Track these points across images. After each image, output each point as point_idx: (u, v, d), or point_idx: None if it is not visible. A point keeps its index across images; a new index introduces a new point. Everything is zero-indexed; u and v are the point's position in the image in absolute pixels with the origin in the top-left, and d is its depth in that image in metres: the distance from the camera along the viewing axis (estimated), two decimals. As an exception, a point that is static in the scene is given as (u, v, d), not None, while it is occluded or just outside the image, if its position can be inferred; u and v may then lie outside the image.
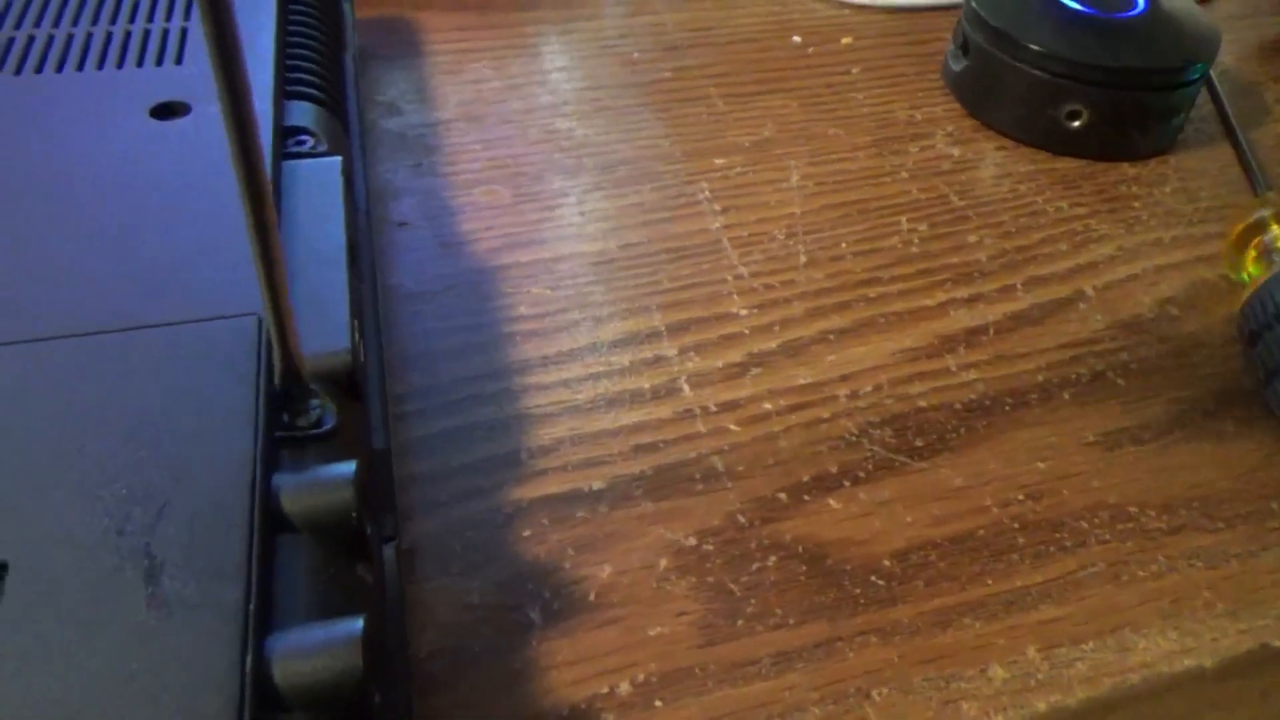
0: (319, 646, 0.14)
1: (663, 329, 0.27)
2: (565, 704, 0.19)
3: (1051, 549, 0.23)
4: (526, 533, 0.22)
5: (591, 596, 0.21)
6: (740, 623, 0.21)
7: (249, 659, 0.14)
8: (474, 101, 0.36)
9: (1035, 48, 0.34)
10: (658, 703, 0.19)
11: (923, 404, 0.26)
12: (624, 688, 0.20)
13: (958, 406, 0.26)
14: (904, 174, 0.34)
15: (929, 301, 0.29)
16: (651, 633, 0.20)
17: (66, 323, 0.18)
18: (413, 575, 0.21)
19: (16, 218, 0.21)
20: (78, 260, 0.20)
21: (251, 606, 0.14)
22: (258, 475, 0.16)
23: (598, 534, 0.22)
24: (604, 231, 0.31)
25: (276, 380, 0.18)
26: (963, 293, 0.29)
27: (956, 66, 0.38)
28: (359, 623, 0.15)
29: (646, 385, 0.26)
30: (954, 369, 0.27)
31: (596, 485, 0.23)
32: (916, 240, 0.31)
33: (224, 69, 0.13)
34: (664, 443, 0.24)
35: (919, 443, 0.25)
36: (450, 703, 0.19)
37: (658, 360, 0.27)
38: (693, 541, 0.22)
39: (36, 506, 0.15)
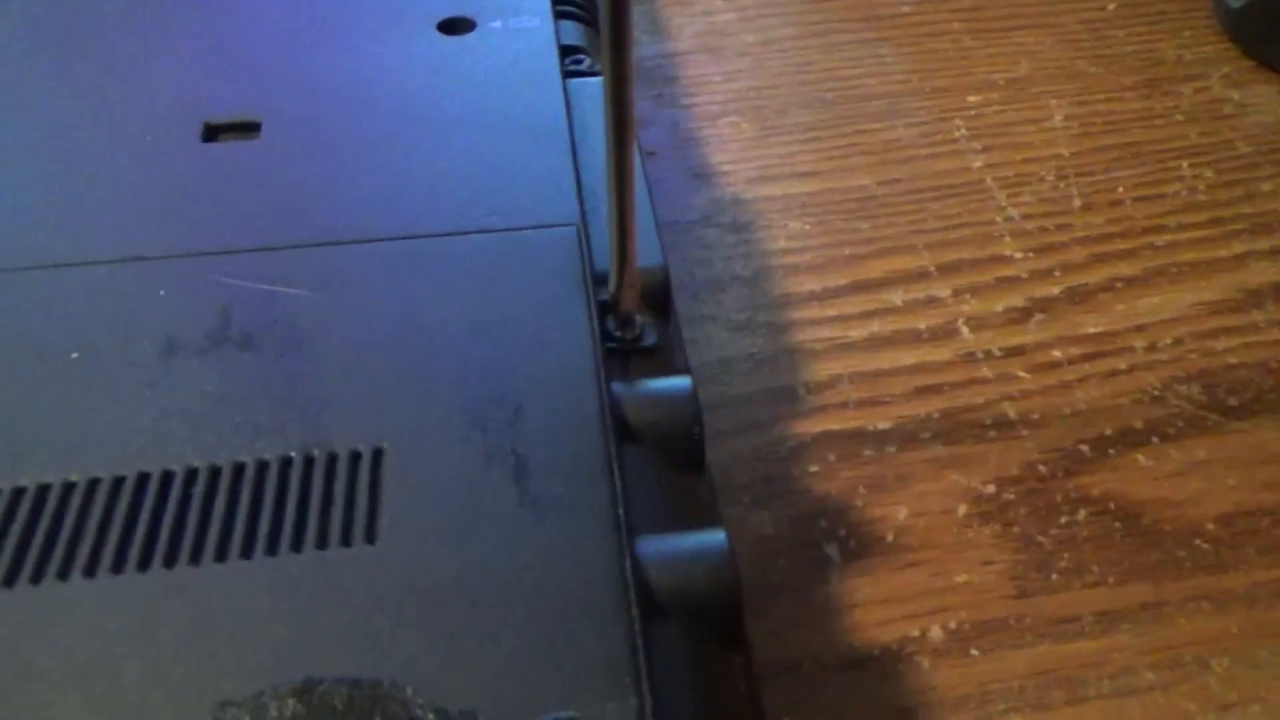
0: (690, 556, 0.14)
1: (933, 269, 0.26)
2: (875, 644, 0.18)
3: (1401, 525, 0.20)
4: (814, 468, 0.21)
5: (890, 538, 0.20)
6: (1054, 577, 0.19)
7: (627, 563, 0.13)
8: (708, 33, 0.35)
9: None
10: (974, 651, 0.18)
11: (1232, 360, 0.24)
12: (935, 633, 0.19)
13: (1274, 365, 0.23)
14: (1179, 116, 0.31)
15: (1224, 252, 0.27)
16: (958, 579, 0.19)
17: (401, 226, 0.18)
18: (702, 502, 0.20)
19: (335, 128, 0.21)
20: (389, 169, 0.20)
21: (620, 511, 0.14)
22: (603, 384, 0.16)
23: (889, 474, 0.21)
24: (859, 167, 0.29)
25: (612, 294, 0.17)
26: (1263, 244, 0.27)
27: (1235, 3, 0.34)
28: (722, 534, 0.14)
29: (922, 326, 0.24)
30: (1262, 324, 0.24)
31: (882, 425, 0.22)
32: (1202, 187, 0.29)
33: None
34: (948, 386, 0.23)
35: (1233, 401, 0.23)
36: (759, 630, 0.18)
37: (931, 301, 0.25)
38: (992, 489, 0.21)
39: (402, 398, 0.15)
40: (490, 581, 0.13)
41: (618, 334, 0.18)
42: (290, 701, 0.12)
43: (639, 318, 0.18)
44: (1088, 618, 0.19)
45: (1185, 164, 0.29)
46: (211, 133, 0.21)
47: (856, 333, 0.24)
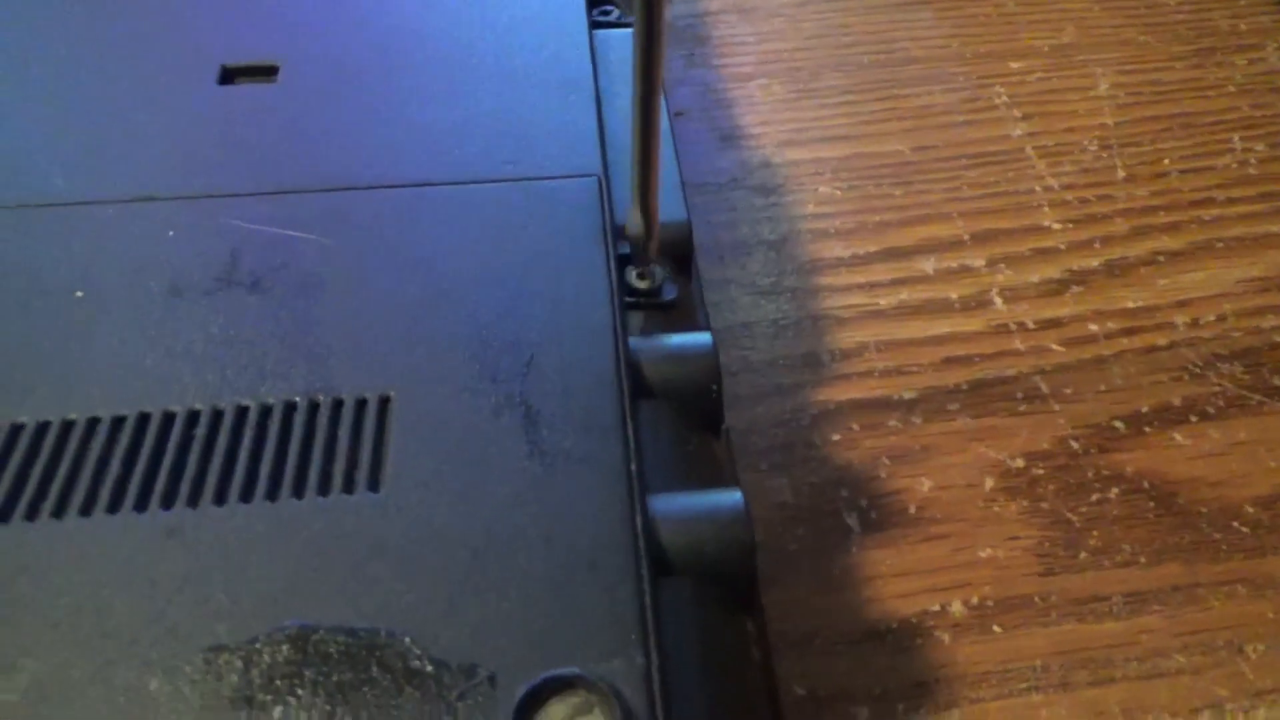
0: (705, 514, 0.13)
1: (967, 238, 0.25)
2: (894, 616, 0.18)
3: None
4: (835, 436, 0.21)
5: (912, 509, 0.19)
6: (1083, 555, 0.19)
7: (638, 519, 0.13)
8: (742, -6, 0.34)
9: None
10: (996, 628, 0.18)
11: (1278, 339, 0.23)
12: (957, 608, 0.18)
13: (1323, 345, 0.22)
14: (1231, 88, 0.30)
15: (1275, 229, 0.25)
16: (982, 554, 0.19)
17: (418, 173, 0.18)
18: (720, 468, 0.20)
19: (354, 74, 0.20)
20: (409, 116, 0.19)
21: (632, 466, 0.13)
22: (620, 337, 0.15)
23: (913, 445, 0.20)
24: (894, 132, 0.28)
25: (635, 245, 0.17)
26: (1316, 221, 0.26)
27: (1295, -30, 0.33)
28: (739, 494, 0.14)
29: (954, 295, 0.24)
30: (1312, 304, 0.23)
31: (908, 395, 0.21)
32: (1254, 161, 0.27)
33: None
34: (979, 357, 0.22)
35: (1278, 381, 0.22)
36: (774, 599, 0.18)
37: (964, 270, 0.24)
38: (1020, 463, 0.20)
39: (411, 344, 0.15)
40: (496, 533, 0.13)
41: (638, 284, 0.17)
42: (284, 648, 0.11)
43: (659, 269, 0.17)
44: (1117, 598, 0.18)
45: (1236, 137, 0.28)
46: (228, 75, 0.20)
47: (885, 300, 0.24)
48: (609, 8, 0.24)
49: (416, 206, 0.17)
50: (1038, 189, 0.26)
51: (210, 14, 0.22)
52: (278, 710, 0.11)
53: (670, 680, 0.11)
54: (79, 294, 0.15)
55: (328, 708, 0.11)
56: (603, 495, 0.13)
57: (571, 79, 0.21)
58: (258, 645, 0.11)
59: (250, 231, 0.17)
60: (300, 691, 0.11)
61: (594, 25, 0.23)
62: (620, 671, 0.11)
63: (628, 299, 0.17)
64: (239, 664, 0.11)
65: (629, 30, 0.23)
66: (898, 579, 0.18)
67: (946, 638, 0.17)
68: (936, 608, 0.18)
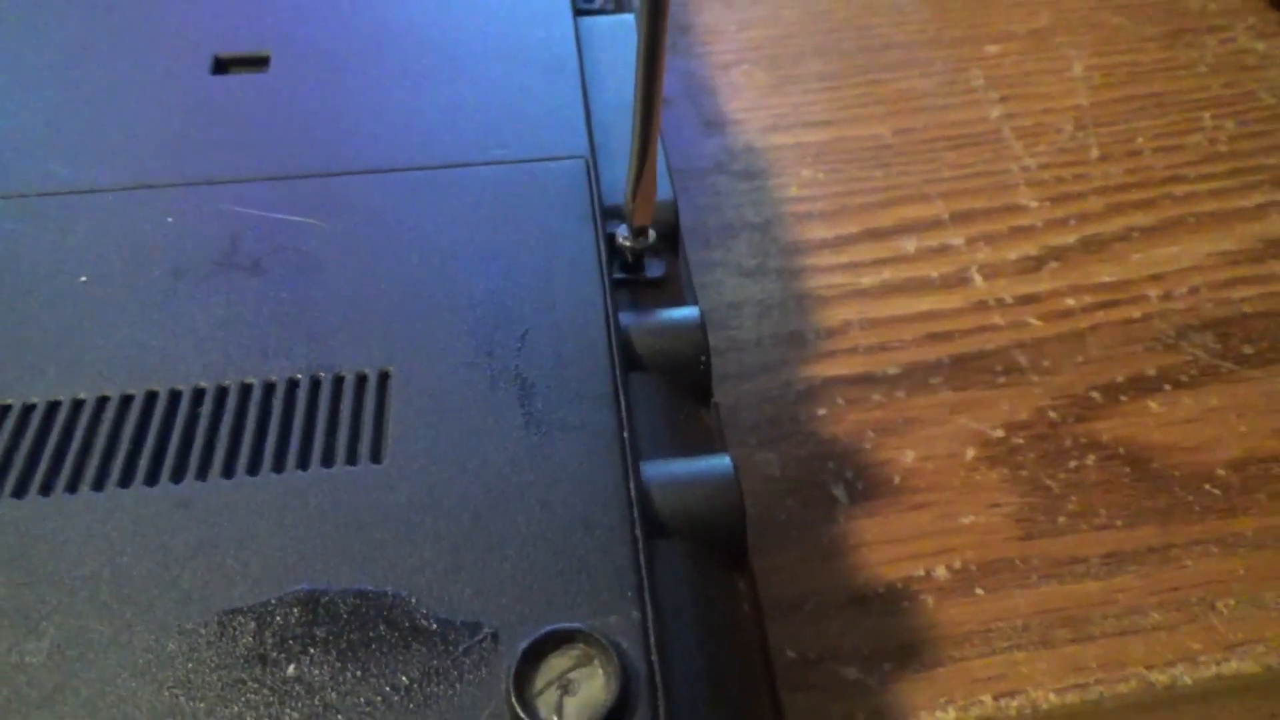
0: (695, 479, 0.14)
1: (946, 217, 0.26)
2: (880, 582, 0.18)
3: None
4: (821, 411, 0.21)
5: (896, 480, 0.20)
6: (1061, 519, 0.19)
7: (631, 483, 0.13)
8: (724, -18, 0.34)
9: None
10: (978, 590, 0.18)
11: (1248, 310, 0.23)
12: (940, 572, 0.19)
13: (1291, 315, 0.23)
14: (1202, 68, 0.31)
15: (1245, 203, 0.26)
16: (965, 520, 0.19)
17: (410, 157, 0.18)
18: (709, 442, 0.20)
19: (343, 62, 0.21)
20: (398, 102, 0.20)
21: (625, 434, 0.14)
22: (610, 312, 0.16)
23: (897, 418, 0.21)
24: (874, 116, 0.29)
25: (628, 223, 0.17)
26: (1284, 196, 0.26)
27: (1263, -47, 0.33)
28: (728, 459, 0.14)
29: (935, 274, 0.24)
30: (1281, 275, 0.24)
31: (891, 370, 0.22)
32: (1224, 138, 0.28)
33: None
34: (959, 332, 0.23)
35: (1248, 350, 0.22)
36: (764, 568, 0.18)
37: (944, 249, 0.25)
38: (1000, 433, 0.21)
39: (408, 322, 0.15)
40: (495, 499, 0.13)
41: (629, 243, 0.17)
42: (295, 610, 0.12)
43: (651, 231, 0.18)
44: (1094, 559, 0.19)
45: (1207, 115, 0.29)
46: (221, 65, 0.21)
47: (868, 279, 0.24)
48: (593, -4, 0.25)
49: (410, 190, 0.18)
50: (1015, 169, 0.27)
51: (200, 5, 0.22)
52: (291, 667, 0.11)
53: (666, 633, 0.12)
54: (83, 279, 0.16)
55: (339, 664, 0.11)
56: (597, 461, 0.14)
57: (558, 63, 0.21)
58: (270, 608, 0.12)
59: (248, 216, 0.17)
60: (312, 650, 0.12)
61: (578, 13, 0.23)
62: (618, 626, 0.12)
63: (617, 276, 0.17)
64: (252, 625, 0.12)
65: (612, 18, 0.24)
66: (884, 546, 0.19)
67: (931, 600, 0.18)
68: (921, 572, 0.19)
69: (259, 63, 0.21)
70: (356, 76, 0.20)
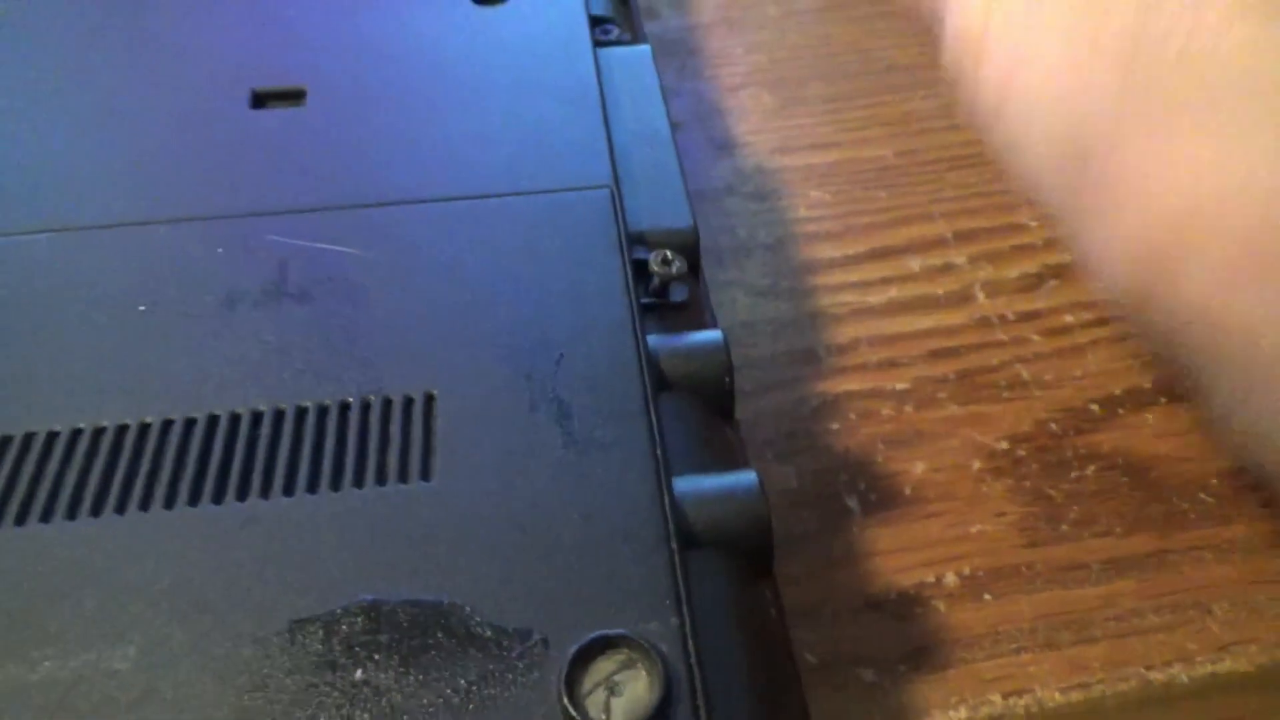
0: (724, 493, 0.15)
1: (950, 236, 0.27)
2: (893, 588, 0.19)
3: (1399, 481, 0.21)
4: (834, 425, 0.22)
5: (907, 491, 0.21)
6: (1064, 528, 0.20)
7: (666, 497, 0.14)
8: (730, 5, 0.35)
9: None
10: (986, 596, 0.19)
11: (1239, 325, 0.24)
12: (950, 579, 0.20)
13: (1280, 330, 0.24)
14: (1193, 90, 0.32)
15: (1235, 222, 0.27)
16: (973, 529, 0.20)
17: (444, 188, 0.19)
18: (728, 456, 0.21)
19: (376, 96, 0.22)
20: (430, 134, 0.21)
21: (658, 451, 0.15)
22: (640, 336, 0.17)
23: (907, 432, 0.22)
24: (878, 138, 0.30)
25: (651, 253, 0.18)
26: None
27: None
28: (754, 474, 0.15)
29: (940, 291, 0.25)
30: (1270, 292, 0.25)
31: (900, 385, 0.23)
32: (1215, 158, 0.29)
33: None
34: (964, 349, 0.24)
35: (1240, 364, 0.23)
36: (784, 576, 0.19)
37: (948, 267, 0.26)
38: (1005, 446, 0.22)
39: (450, 347, 0.16)
40: (540, 514, 0.14)
41: (658, 269, 0.18)
42: (359, 619, 0.13)
43: (678, 260, 0.19)
44: (1095, 565, 0.20)
45: (1198, 136, 0.30)
46: (259, 100, 0.22)
47: (875, 298, 0.25)
48: (609, 26, 0.26)
49: (444, 220, 0.19)
50: (1015, 189, 0.28)
51: (236, 42, 0.23)
52: (358, 672, 0.12)
53: (702, 637, 0.13)
54: (141, 308, 0.17)
55: (402, 669, 0.12)
56: (633, 477, 0.15)
57: (580, 95, 0.22)
58: (335, 616, 0.13)
59: (293, 246, 0.18)
60: (377, 656, 0.13)
61: (596, 44, 0.24)
62: (659, 631, 0.13)
63: (644, 300, 0.18)
64: (320, 633, 0.13)
65: (629, 49, 0.25)
66: (896, 554, 0.20)
67: (942, 606, 0.19)
68: (932, 579, 0.20)
69: (296, 96, 0.22)
70: (389, 110, 0.21)
